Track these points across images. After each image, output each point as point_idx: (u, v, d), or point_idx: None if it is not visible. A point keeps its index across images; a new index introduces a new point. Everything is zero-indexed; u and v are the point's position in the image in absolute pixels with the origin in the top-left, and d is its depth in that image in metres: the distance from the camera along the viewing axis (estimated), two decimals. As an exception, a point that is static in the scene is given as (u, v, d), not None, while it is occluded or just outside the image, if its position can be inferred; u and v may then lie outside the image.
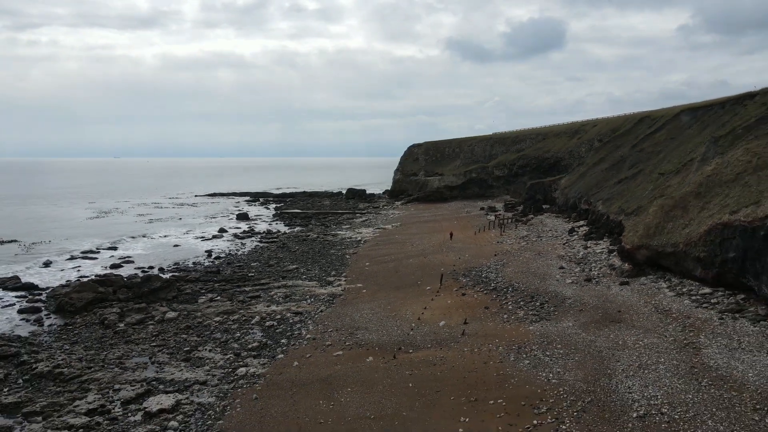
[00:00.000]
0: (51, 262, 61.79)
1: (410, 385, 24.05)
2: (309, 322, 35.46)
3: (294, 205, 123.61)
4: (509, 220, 72.56)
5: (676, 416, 18.88)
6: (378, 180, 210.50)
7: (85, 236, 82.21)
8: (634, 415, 19.23)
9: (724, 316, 27.95)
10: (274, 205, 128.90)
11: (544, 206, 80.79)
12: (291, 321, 36.06)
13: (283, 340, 32.19)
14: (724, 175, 36.04)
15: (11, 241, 76.49)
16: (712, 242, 31.73)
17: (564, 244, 53.29)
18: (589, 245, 49.82)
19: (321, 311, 37.75)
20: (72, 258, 64.10)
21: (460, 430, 19.69)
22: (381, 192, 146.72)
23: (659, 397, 20.27)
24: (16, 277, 52.58)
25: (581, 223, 61.41)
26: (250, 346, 31.62)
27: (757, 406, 18.97)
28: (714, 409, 19.07)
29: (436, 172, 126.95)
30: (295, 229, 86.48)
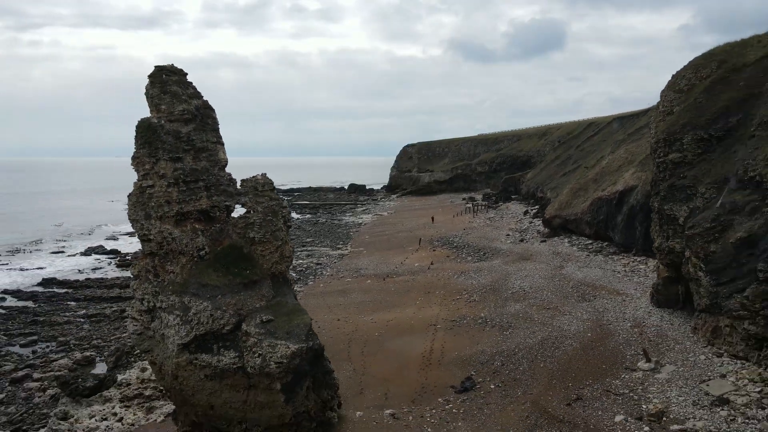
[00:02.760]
0: (117, 238, 79.02)
1: (392, 289, 40.30)
2: (327, 267, 51.71)
3: (302, 198, 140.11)
4: (482, 207, 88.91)
5: (530, 290, 35.37)
6: (377, 176, 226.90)
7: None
8: (510, 292, 35.66)
9: (589, 254, 44.41)
10: (283, 198, 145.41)
11: (513, 196, 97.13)
12: (314, 267, 52.31)
13: (311, 276, 48.43)
14: (612, 167, 52.29)
15: (75, 226, 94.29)
16: (593, 210, 48.07)
17: (517, 221, 69.65)
18: (533, 221, 66.20)
19: (335, 262, 54.04)
20: (131, 234, 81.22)
21: (417, 302, 35.97)
22: (379, 187, 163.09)
23: (527, 285, 36.76)
24: (101, 246, 69.37)
25: (536, 207, 77.72)
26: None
27: (573, 286, 35.46)
28: (552, 288, 35.61)
29: (427, 169, 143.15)
30: (306, 216, 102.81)
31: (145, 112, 19.46)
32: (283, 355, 17.56)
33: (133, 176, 19.40)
